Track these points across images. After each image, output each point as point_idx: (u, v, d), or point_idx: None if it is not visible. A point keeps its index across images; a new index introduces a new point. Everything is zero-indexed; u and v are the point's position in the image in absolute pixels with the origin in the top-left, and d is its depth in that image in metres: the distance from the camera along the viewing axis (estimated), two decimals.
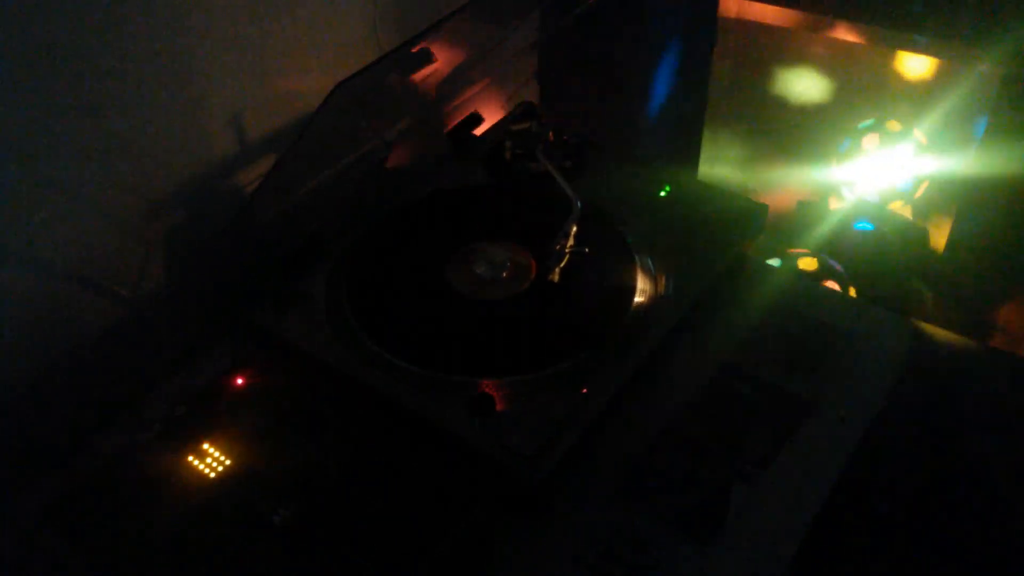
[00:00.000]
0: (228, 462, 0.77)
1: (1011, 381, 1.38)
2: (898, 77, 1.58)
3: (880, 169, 1.56)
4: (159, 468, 0.77)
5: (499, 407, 0.75)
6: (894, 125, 1.56)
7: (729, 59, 1.69)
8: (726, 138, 1.81)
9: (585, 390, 0.77)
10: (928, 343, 1.44)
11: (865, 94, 1.63)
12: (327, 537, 0.71)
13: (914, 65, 1.54)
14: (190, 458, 0.77)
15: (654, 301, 0.87)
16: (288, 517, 0.72)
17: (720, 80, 1.72)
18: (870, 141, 1.56)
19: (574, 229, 0.87)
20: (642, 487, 0.77)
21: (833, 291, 1.37)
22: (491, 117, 1.12)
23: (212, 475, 0.76)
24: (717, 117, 1.77)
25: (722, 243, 0.93)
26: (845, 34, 1.55)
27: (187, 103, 0.88)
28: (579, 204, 0.88)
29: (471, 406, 0.75)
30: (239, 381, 0.83)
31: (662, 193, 1.00)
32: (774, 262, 1.55)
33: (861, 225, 1.62)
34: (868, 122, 1.59)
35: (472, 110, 1.09)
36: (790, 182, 1.78)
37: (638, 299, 0.87)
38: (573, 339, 0.82)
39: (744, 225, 0.96)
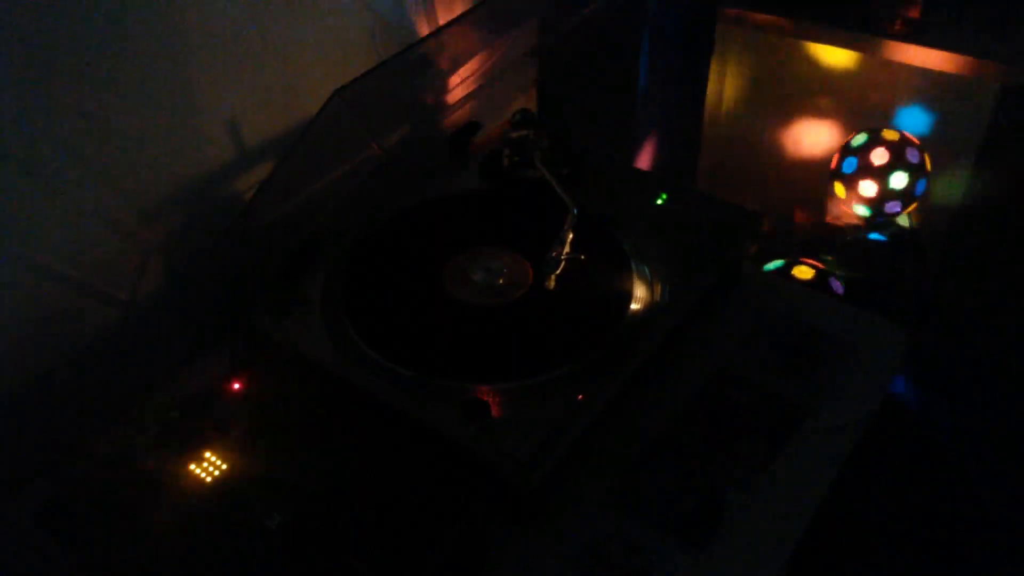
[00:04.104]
0: (224, 466, 0.77)
1: (1009, 389, 1.39)
2: (897, 86, 1.58)
3: (877, 177, 1.56)
4: (155, 472, 0.77)
5: (494, 412, 0.76)
6: (891, 134, 1.56)
7: (727, 67, 1.70)
8: (723, 145, 1.82)
9: (580, 396, 0.78)
10: (924, 351, 1.44)
11: (863, 102, 1.63)
12: (322, 541, 0.71)
13: (913, 74, 1.55)
14: (186, 462, 0.77)
15: (650, 308, 0.87)
16: (284, 521, 0.72)
17: (718, 87, 1.72)
18: (867, 149, 1.57)
19: (571, 236, 0.88)
20: (637, 492, 0.78)
21: (829, 298, 1.37)
22: (489, 124, 1.13)
23: (208, 479, 0.76)
24: (714, 124, 1.78)
25: (718, 251, 0.94)
26: (843, 43, 1.55)
27: (186, 107, 0.88)
28: (576, 211, 0.89)
29: (466, 411, 0.75)
30: (236, 385, 0.84)
31: (659, 201, 1.00)
32: (770, 269, 1.56)
33: (858, 233, 1.63)
34: (866, 131, 1.59)
35: (471, 117, 1.09)
36: (786, 189, 1.79)
37: (634, 306, 0.87)
38: (569, 345, 0.82)
39: (740, 233, 0.96)
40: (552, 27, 1.18)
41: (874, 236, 1.62)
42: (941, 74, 1.50)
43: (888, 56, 1.52)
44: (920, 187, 1.56)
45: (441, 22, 1.13)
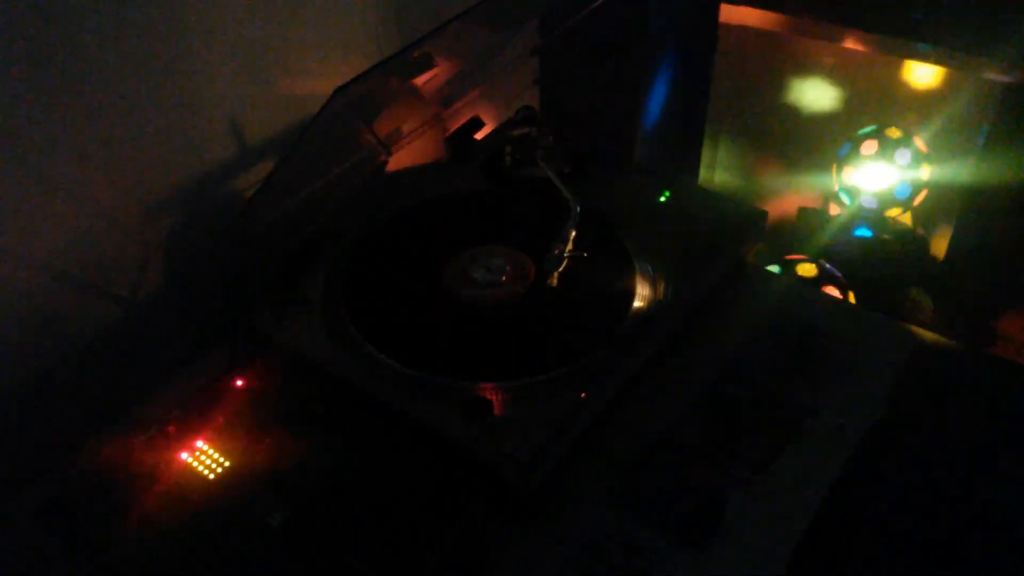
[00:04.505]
0: (225, 463, 0.77)
1: (1011, 389, 1.38)
2: (899, 84, 1.58)
3: (880, 176, 1.56)
4: (156, 469, 0.77)
5: (496, 411, 0.75)
6: (894, 132, 1.56)
7: (730, 66, 1.69)
8: (726, 144, 1.81)
9: (583, 395, 0.77)
10: (927, 350, 1.43)
11: (865, 101, 1.63)
12: (323, 539, 0.71)
13: (915, 73, 1.54)
14: (187, 459, 0.77)
15: (652, 306, 0.87)
16: (284, 519, 0.72)
17: (721, 87, 1.72)
18: (870, 148, 1.56)
19: (573, 234, 0.88)
20: (637, 492, 0.77)
21: (832, 298, 1.37)
22: (491, 122, 1.12)
23: (209, 476, 0.76)
24: (717, 123, 1.77)
25: (721, 249, 0.93)
26: (846, 41, 1.55)
27: (186, 105, 0.88)
28: (578, 209, 0.89)
29: (467, 410, 0.75)
30: (237, 383, 0.84)
31: (661, 199, 1.00)
32: (773, 268, 1.55)
33: (861, 232, 1.62)
34: (868, 129, 1.59)
35: (472, 115, 1.09)
36: (790, 188, 1.78)
37: (637, 304, 0.87)
38: (571, 344, 0.82)
39: (743, 231, 0.96)
40: (553, 25, 1.17)
41: (876, 234, 1.61)
42: (943, 72, 1.50)
43: (890, 54, 1.51)
44: (921, 186, 1.55)
45: (442, 20, 1.13)
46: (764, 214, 0.98)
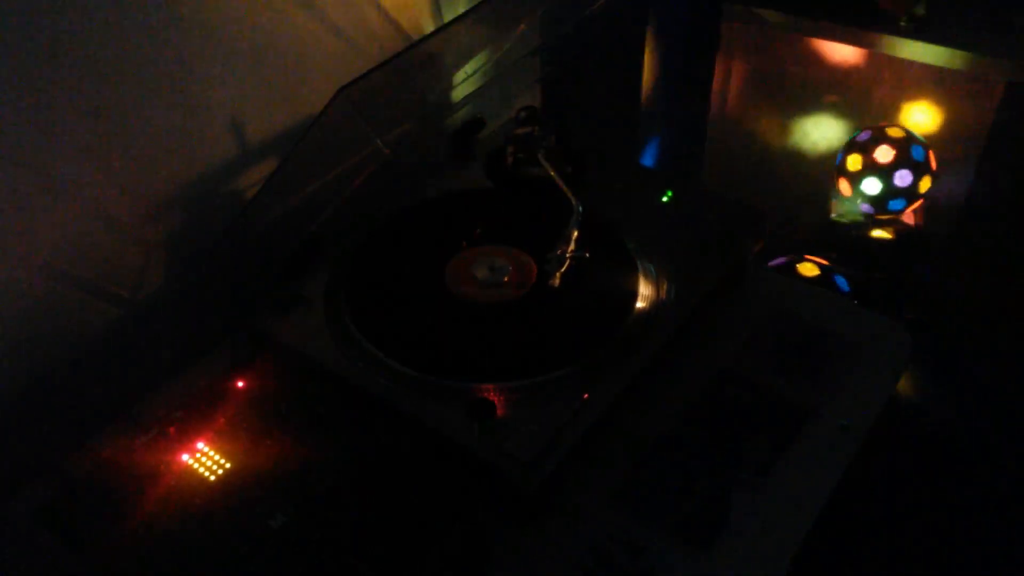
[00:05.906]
0: (226, 465, 0.77)
1: (1013, 388, 1.38)
2: (901, 82, 1.58)
3: (880, 177, 1.55)
4: (157, 470, 0.77)
5: (498, 412, 0.75)
6: (896, 131, 1.55)
7: (732, 64, 1.69)
8: (728, 143, 1.81)
9: (586, 396, 0.77)
10: (928, 350, 1.43)
11: (868, 99, 1.63)
12: (324, 541, 0.71)
13: (918, 71, 1.54)
14: (188, 461, 0.77)
15: (655, 306, 0.87)
16: (285, 520, 0.72)
17: (723, 85, 1.72)
18: (872, 146, 1.56)
19: (575, 234, 0.87)
20: (640, 493, 0.77)
21: (834, 297, 1.37)
22: (493, 121, 1.12)
23: (210, 478, 0.76)
24: (720, 122, 1.77)
25: (723, 248, 0.93)
26: (848, 39, 1.55)
27: (188, 105, 0.88)
28: (580, 209, 0.88)
29: (470, 411, 0.75)
30: (238, 384, 0.83)
31: (664, 198, 1.00)
32: (775, 267, 1.55)
33: (862, 231, 1.62)
34: (870, 128, 1.59)
35: (473, 115, 1.09)
36: (792, 187, 1.78)
37: (639, 304, 0.87)
38: (573, 344, 0.82)
39: (745, 230, 0.96)
40: (553, 25, 1.17)
41: (879, 234, 1.61)
42: (946, 70, 1.50)
43: (893, 52, 1.51)
44: (924, 185, 1.55)
45: (445, 19, 1.13)
46: (764, 214, 0.97)
